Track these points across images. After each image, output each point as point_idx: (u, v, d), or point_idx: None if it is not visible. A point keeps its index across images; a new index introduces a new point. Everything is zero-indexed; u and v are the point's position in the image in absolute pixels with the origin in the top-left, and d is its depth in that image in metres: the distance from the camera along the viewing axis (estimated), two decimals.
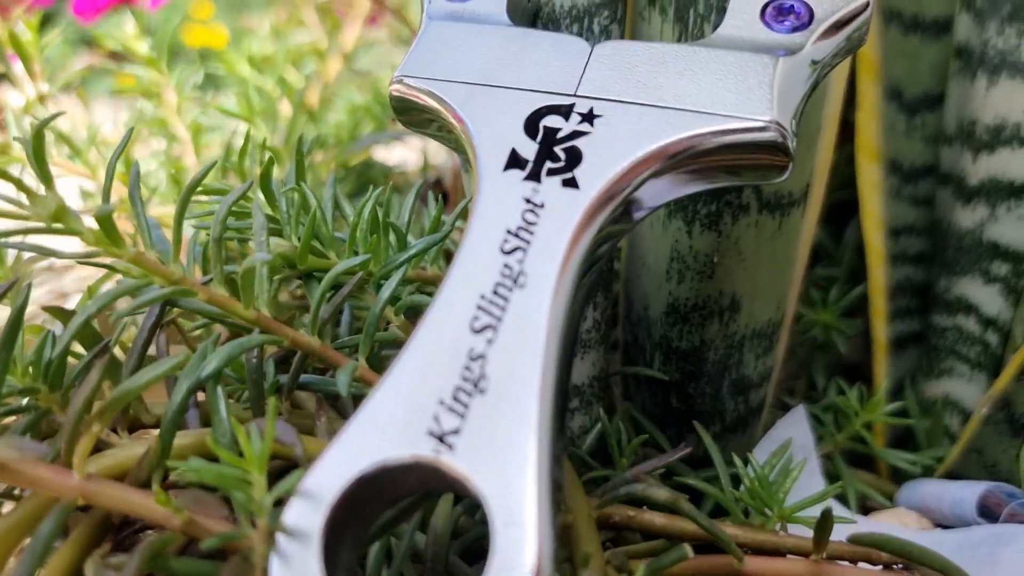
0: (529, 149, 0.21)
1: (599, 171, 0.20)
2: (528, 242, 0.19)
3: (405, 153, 0.60)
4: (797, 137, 0.20)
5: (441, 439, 0.17)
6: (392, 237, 0.27)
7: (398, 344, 0.26)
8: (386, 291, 0.24)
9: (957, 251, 0.35)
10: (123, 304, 0.21)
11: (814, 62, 0.21)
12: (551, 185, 0.20)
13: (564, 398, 0.19)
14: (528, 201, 0.20)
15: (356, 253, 0.25)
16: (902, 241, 0.37)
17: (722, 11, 0.23)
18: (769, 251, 0.27)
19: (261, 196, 0.26)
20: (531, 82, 0.22)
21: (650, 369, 0.29)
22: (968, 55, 0.34)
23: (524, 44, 0.22)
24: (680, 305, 0.28)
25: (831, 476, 0.33)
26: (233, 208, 0.24)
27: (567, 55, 0.22)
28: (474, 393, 0.18)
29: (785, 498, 0.24)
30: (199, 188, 0.24)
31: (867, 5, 0.22)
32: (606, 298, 0.28)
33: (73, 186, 0.39)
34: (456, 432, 0.17)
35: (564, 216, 0.20)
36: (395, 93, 0.23)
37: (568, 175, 0.20)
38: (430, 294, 0.27)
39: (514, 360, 0.18)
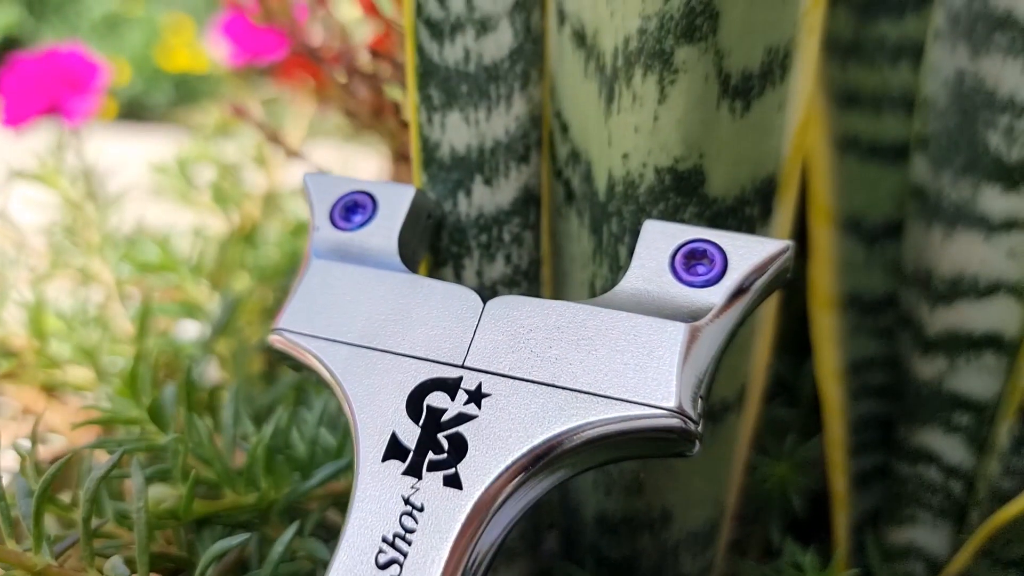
0: (411, 435, 0.19)
1: (484, 468, 0.18)
2: (404, 555, 0.18)
3: None
4: (703, 418, 0.19)
5: None
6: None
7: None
8: (279, 548, 0.22)
9: (916, 400, 0.33)
10: None
11: (726, 327, 0.19)
12: (432, 483, 0.18)
13: None
14: (407, 502, 0.18)
15: (255, 487, 0.24)
16: (863, 375, 0.36)
17: (635, 233, 0.21)
18: (701, 462, 0.25)
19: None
20: (417, 347, 0.20)
21: (582, 571, 0.28)
22: (923, 199, 0.32)
23: (412, 297, 0.21)
24: (608, 517, 0.26)
25: None
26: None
27: (457, 314, 0.20)
28: None
29: None
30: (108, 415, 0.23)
31: (787, 247, 0.20)
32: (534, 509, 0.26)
33: None
34: None
35: (444, 525, 0.18)
36: (275, 346, 0.21)
37: (450, 471, 0.18)
38: (343, 504, 0.26)
39: None
